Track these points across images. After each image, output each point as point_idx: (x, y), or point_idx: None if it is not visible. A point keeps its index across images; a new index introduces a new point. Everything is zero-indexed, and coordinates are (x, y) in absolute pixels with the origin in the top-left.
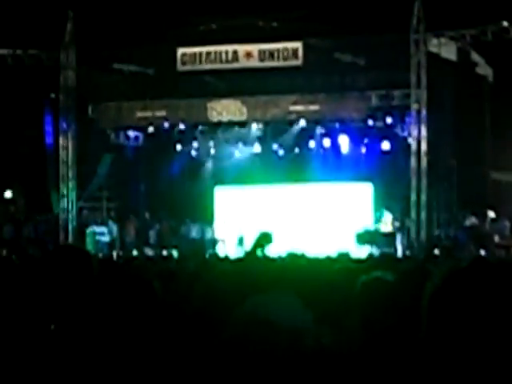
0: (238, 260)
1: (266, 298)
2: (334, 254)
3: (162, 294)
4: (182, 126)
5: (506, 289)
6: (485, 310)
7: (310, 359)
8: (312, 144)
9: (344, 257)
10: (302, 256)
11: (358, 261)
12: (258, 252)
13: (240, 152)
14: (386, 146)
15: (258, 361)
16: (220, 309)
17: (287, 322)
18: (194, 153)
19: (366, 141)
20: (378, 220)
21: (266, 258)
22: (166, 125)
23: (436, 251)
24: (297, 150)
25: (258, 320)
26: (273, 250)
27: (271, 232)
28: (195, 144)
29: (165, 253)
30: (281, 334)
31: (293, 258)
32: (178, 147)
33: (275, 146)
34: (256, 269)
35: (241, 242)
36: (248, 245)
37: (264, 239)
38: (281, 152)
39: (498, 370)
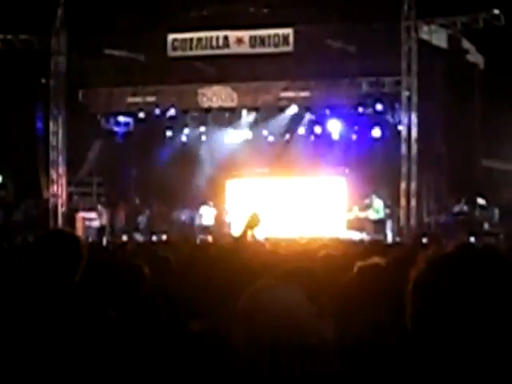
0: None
1: (271, 290)
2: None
3: (152, 278)
4: (172, 112)
5: (490, 273)
6: (468, 294)
7: (312, 354)
8: (302, 130)
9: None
10: (293, 240)
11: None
12: (249, 234)
13: (230, 138)
14: (376, 132)
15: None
16: (213, 293)
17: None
18: (184, 138)
19: (356, 128)
20: (367, 207)
21: (256, 241)
22: (157, 111)
23: (424, 240)
24: (287, 136)
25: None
26: (262, 233)
27: (260, 214)
28: (185, 130)
29: (155, 238)
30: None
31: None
32: (169, 133)
33: (265, 132)
34: (248, 253)
35: (230, 226)
36: (238, 228)
37: (254, 221)
38: (271, 138)
39: (482, 355)
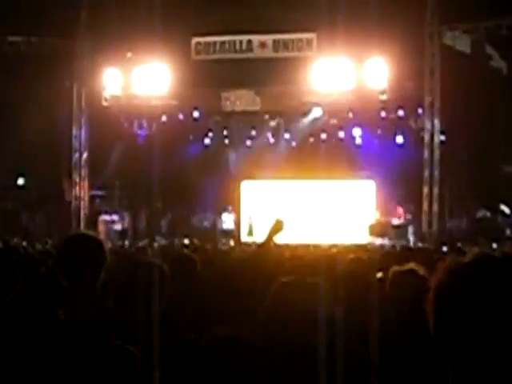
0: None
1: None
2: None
3: (173, 279)
4: (195, 116)
5: (509, 282)
6: (488, 303)
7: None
8: (324, 135)
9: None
10: (316, 246)
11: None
12: (273, 241)
13: (253, 142)
14: (398, 138)
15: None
16: (234, 297)
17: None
18: (206, 142)
19: (379, 132)
20: (388, 213)
21: (279, 246)
22: (179, 114)
23: (444, 248)
24: (310, 140)
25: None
26: (284, 239)
27: (283, 220)
28: (208, 133)
29: (176, 242)
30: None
31: (307, 248)
32: (191, 137)
33: (287, 136)
34: (270, 258)
35: (251, 232)
36: (261, 234)
37: (277, 228)
38: (293, 143)
39: (503, 364)
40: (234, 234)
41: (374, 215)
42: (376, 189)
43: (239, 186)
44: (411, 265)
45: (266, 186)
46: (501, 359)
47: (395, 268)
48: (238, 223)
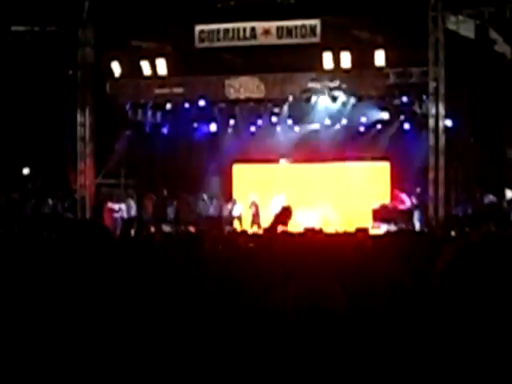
0: (258, 235)
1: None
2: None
3: (181, 263)
4: (200, 103)
5: None
6: (495, 285)
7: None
8: (329, 121)
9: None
10: (321, 231)
11: (376, 236)
12: (279, 227)
13: (258, 128)
14: (404, 123)
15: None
16: (240, 282)
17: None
18: (212, 129)
19: (383, 118)
20: (392, 199)
21: (285, 233)
22: (184, 102)
23: (452, 233)
24: (314, 126)
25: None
26: (292, 226)
27: (291, 208)
28: (213, 121)
29: (182, 229)
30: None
31: (312, 233)
32: (196, 124)
33: (291, 123)
34: (276, 244)
35: (256, 218)
36: (267, 221)
37: (284, 215)
38: (297, 129)
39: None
40: (241, 220)
41: (379, 200)
42: (382, 175)
43: (245, 173)
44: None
45: (273, 171)
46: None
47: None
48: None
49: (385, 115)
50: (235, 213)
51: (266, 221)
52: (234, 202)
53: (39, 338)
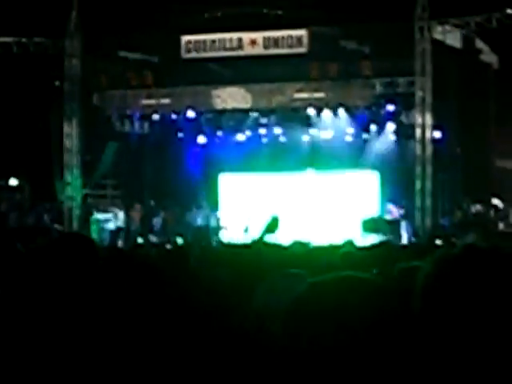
0: (245, 246)
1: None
2: (338, 241)
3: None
4: (187, 114)
5: (494, 275)
6: (473, 295)
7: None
8: (316, 131)
9: (349, 244)
10: (308, 244)
11: (363, 248)
12: (266, 238)
13: (244, 139)
14: (390, 133)
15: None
16: (227, 295)
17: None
18: (198, 140)
19: (370, 128)
20: (382, 209)
21: (272, 244)
22: (171, 112)
23: (438, 241)
24: (301, 137)
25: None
26: (278, 237)
27: (279, 218)
28: (200, 131)
29: (169, 240)
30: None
31: (299, 245)
32: (183, 135)
33: (279, 131)
34: (262, 255)
35: (246, 229)
36: (255, 231)
37: (272, 226)
38: (283, 139)
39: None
40: (227, 230)
41: (367, 211)
42: (371, 185)
43: (231, 183)
44: (416, 262)
45: (258, 180)
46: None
47: (400, 265)
48: (232, 220)
49: (372, 125)
50: (222, 223)
51: (253, 231)
52: (221, 212)
53: (20, 353)
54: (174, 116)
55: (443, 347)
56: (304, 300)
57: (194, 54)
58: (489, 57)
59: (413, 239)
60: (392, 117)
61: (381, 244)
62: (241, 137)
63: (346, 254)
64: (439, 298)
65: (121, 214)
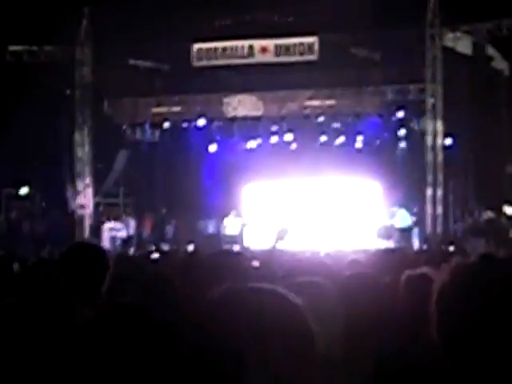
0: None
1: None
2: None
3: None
4: (198, 122)
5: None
6: (490, 305)
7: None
8: (327, 139)
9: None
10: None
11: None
12: (279, 245)
13: (256, 146)
14: (401, 140)
15: None
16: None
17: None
18: (210, 148)
19: (381, 135)
20: (392, 215)
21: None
22: (182, 120)
23: (451, 248)
24: (312, 144)
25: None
26: (290, 244)
27: (290, 226)
28: (211, 139)
29: (181, 248)
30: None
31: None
32: (194, 142)
33: (290, 138)
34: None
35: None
36: (268, 239)
37: (284, 233)
38: (294, 146)
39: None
40: (238, 239)
41: (377, 218)
42: (376, 194)
43: (243, 191)
44: (424, 268)
45: (270, 188)
46: (500, 358)
47: (408, 272)
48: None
49: (383, 132)
50: (234, 231)
51: (264, 238)
52: (233, 219)
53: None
54: (184, 124)
55: (460, 357)
56: (217, 303)
57: (204, 62)
58: (500, 64)
59: (424, 246)
60: (403, 124)
61: (392, 250)
62: (252, 144)
63: (353, 261)
64: (455, 307)
65: (132, 223)
